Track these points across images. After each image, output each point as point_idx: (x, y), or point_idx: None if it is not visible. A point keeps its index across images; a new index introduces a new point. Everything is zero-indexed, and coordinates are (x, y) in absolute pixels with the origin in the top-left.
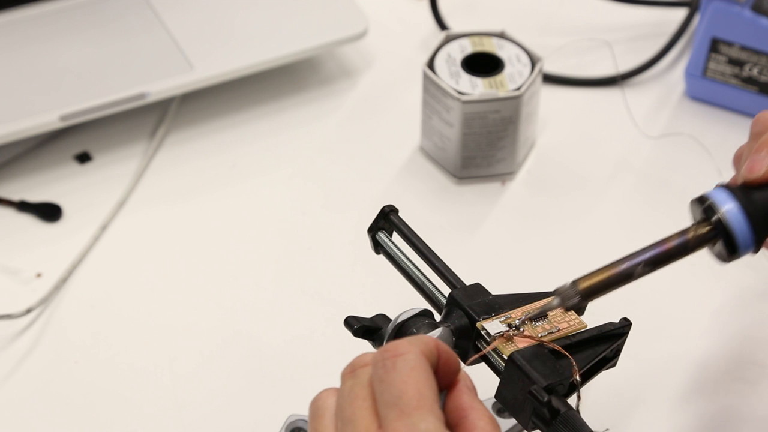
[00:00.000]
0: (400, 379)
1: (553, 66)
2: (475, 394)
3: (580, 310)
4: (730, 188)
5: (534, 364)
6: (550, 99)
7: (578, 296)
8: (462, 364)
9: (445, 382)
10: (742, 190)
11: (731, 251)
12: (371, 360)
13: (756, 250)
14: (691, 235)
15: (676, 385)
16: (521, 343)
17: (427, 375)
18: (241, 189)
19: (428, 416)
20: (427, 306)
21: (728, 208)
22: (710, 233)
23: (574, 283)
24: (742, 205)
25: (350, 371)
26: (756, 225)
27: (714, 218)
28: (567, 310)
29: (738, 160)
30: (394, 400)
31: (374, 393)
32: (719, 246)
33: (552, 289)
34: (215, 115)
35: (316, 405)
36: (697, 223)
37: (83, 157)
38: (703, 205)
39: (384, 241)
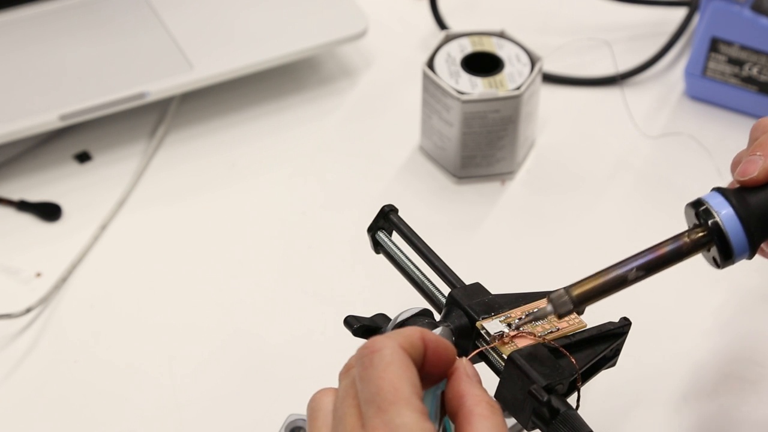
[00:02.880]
0: (376, 375)
1: (552, 66)
2: (477, 380)
3: (579, 310)
4: (726, 192)
5: (533, 363)
6: (550, 99)
7: (571, 303)
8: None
9: (439, 371)
10: (738, 194)
11: (726, 256)
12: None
13: (751, 256)
14: (685, 240)
15: (677, 385)
16: (521, 343)
17: (403, 369)
18: (241, 188)
19: (404, 410)
20: (427, 305)
21: (723, 213)
22: (705, 238)
23: (567, 289)
24: (737, 210)
25: (344, 371)
26: (751, 230)
27: (710, 222)
28: (560, 317)
29: (735, 166)
30: (372, 397)
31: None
32: (714, 251)
33: (552, 289)
34: (215, 115)
35: (311, 406)
36: (692, 228)
37: (83, 157)
38: (698, 210)
39: (384, 240)
